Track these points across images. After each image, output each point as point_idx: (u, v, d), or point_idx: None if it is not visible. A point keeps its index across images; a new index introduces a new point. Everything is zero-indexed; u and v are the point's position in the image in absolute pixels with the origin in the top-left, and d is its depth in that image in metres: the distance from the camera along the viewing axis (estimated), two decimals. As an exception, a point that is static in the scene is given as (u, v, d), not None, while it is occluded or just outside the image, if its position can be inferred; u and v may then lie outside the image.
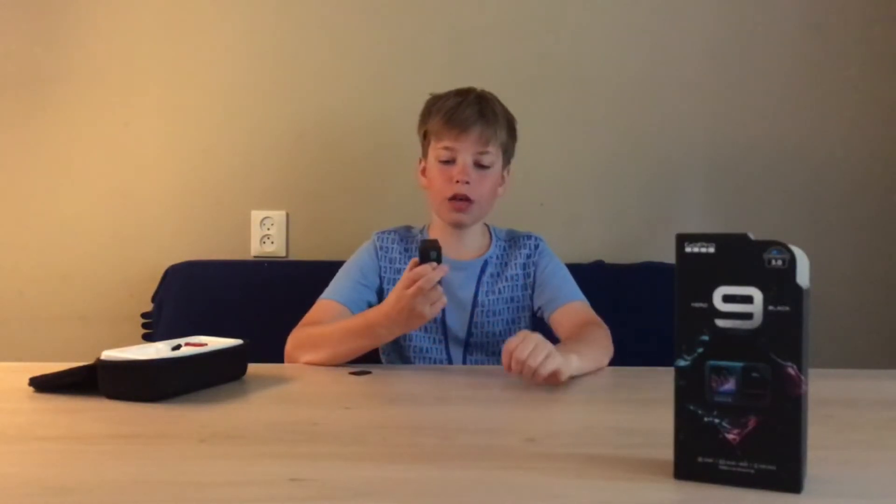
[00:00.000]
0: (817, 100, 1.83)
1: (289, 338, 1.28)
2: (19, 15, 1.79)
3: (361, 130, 1.83)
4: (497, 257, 1.44)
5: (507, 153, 1.42)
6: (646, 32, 1.84)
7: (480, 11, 1.83)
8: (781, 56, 1.83)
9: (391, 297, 1.18)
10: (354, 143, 1.83)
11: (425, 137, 1.42)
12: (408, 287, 1.13)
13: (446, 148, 1.35)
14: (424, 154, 1.43)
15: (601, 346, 1.25)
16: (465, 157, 1.34)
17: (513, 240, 1.46)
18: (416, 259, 1.17)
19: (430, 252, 1.14)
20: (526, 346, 1.04)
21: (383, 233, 1.46)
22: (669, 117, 1.84)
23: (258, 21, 1.82)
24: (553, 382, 1.06)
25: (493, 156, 1.36)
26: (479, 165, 1.35)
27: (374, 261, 1.42)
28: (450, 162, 1.35)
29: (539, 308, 1.40)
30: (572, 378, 1.11)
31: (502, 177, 1.41)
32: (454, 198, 1.34)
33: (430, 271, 1.12)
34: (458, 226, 1.39)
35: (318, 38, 1.82)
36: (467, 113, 1.34)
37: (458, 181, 1.33)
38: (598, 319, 1.33)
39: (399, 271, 1.40)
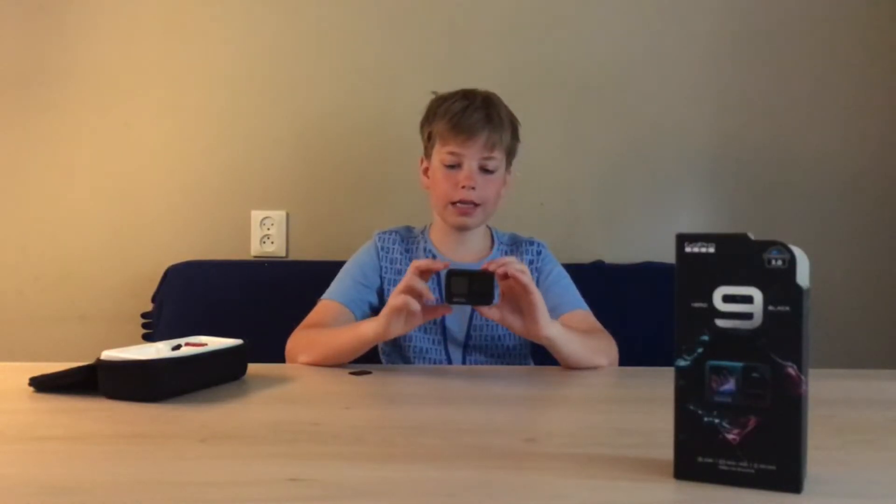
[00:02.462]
0: (817, 100, 1.84)
1: (289, 339, 1.29)
2: (20, 15, 1.79)
3: (361, 130, 1.83)
4: None
5: (511, 155, 1.41)
6: (646, 33, 1.84)
7: (481, 11, 1.83)
8: (781, 56, 1.83)
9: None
10: (354, 143, 1.83)
11: (429, 139, 1.40)
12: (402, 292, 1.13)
13: (452, 153, 1.34)
14: (427, 155, 1.42)
15: (600, 346, 1.26)
16: (471, 163, 1.34)
17: (515, 244, 1.45)
18: (421, 262, 1.15)
19: (462, 289, 1.09)
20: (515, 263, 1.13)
21: (384, 233, 1.45)
22: (669, 117, 1.84)
23: (258, 21, 1.82)
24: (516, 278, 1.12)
25: (497, 160, 1.36)
26: (485, 170, 1.35)
27: (375, 261, 1.41)
28: (455, 167, 1.34)
29: None
30: (570, 370, 1.14)
31: (505, 179, 1.41)
32: (460, 202, 1.34)
33: (423, 287, 1.12)
34: (463, 229, 1.39)
35: (319, 38, 1.82)
36: (474, 118, 1.32)
37: (463, 186, 1.33)
38: (602, 328, 1.33)
39: (400, 272, 1.39)
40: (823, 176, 1.83)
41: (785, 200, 1.84)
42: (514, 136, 1.41)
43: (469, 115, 1.32)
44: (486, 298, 1.09)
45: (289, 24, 1.82)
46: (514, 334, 1.36)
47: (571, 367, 1.21)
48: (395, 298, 1.13)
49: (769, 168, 1.84)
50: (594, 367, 1.22)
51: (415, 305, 1.12)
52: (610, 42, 1.84)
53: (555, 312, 1.34)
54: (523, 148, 1.46)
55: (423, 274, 1.14)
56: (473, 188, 1.33)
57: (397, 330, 1.16)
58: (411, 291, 1.12)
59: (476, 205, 1.34)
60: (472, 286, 1.08)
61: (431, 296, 1.14)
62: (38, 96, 1.80)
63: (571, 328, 1.24)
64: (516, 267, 1.12)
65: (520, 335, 1.20)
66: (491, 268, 1.11)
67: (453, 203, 1.34)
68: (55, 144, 1.81)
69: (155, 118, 1.82)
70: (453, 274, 1.09)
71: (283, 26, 1.82)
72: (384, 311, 1.15)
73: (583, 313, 1.36)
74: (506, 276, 1.12)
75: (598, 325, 1.35)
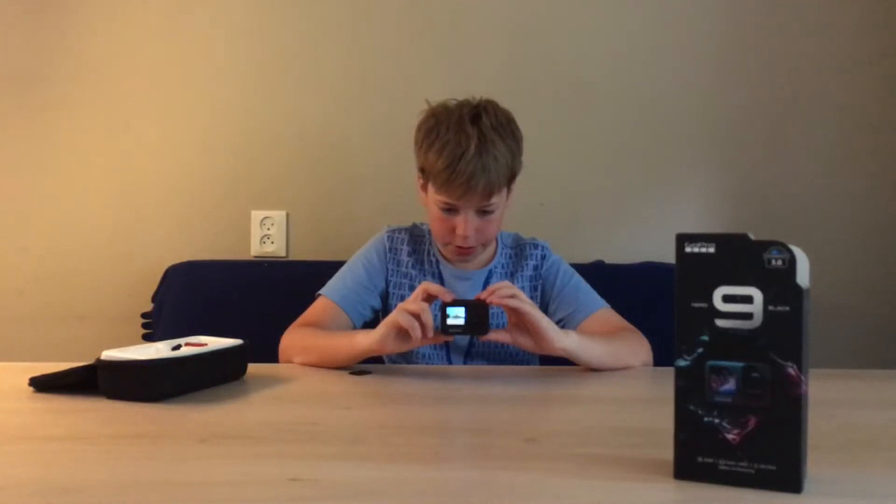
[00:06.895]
0: (818, 99, 1.83)
1: (284, 335, 1.28)
2: (20, 15, 1.79)
3: (361, 130, 1.83)
4: (503, 266, 1.41)
5: (513, 177, 1.32)
6: (646, 33, 1.84)
7: (481, 12, 1.83)
8: (781, 57, 1.83)
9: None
10: (354, 143, 1.83)
11: (422, 171, 1.32)
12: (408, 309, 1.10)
13: (446, 202, 1.28)
14: (423, 181, 1.34)
15: (626, 348, 1.24)
16: (468, 213, 1.28)
17: (519, 247, 1.43)
18: (431, 286, 1.12)
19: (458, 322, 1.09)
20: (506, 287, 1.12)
21: (395, 231, 1.42)
22: (669, 117, 1.84)
23: (259, 21, 1.82)
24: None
25: (496, 202, 1.29)
26: (483, 212, 1.29)
27: (383, 262, 1.39)
28: (451, 210, 1.29)
29: (560, 322, 1.34)
30: (587, 370, 1.16)
31: (506, 202, 1.35)
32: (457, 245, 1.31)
33: (428, 314, 1.09)
34: (462, 263, 1.37)
35: (319, 38, 1.82)
36: (469, 170, 1.21)
37: (460, 234, 1.28)
38: (629, 325, 1.31)
39: (406, 275, 1.38)
40: (824, 176, 1.83)
41: (785, 200, 1.84)
42: (517, 158, 1.31)
43: (464, 167, 1.22)
44: (482, 328, 1.10)
45: (289, 24, 1.82)
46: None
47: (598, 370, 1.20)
48: (400, 315, 1.10)
49: (769, 168, 1.84)
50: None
51: (417, 333, 1.09)
52: (610, 42, 1.84)
53: (573, 321, 1.32)
54: (524, 147, 1.44)
55: (430, 297, 1.12)
56: (471, 236, 1.29)
57: (392, 347, 1.14)
58: (417, 316, 1.09)
59: (475, 246, 1.32)
60: (468, 316, 1.09)
61: (431, 329, 1.10)
62: (39, 96, 1.80)
63: (591, 334, 1.22)
64: (504, 293, 1.11)
65: (535, 353, 1.17)
66: (483, 297, 1.11)
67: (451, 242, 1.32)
68: (55, 144, 1.81)
69: (155, 118, 1.82)
70: (448, 304, 1.09)
71: (284, 26, 1.82)
72: (385, 323, 1.13)
73: (603, 313, 1.34)
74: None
75: (621, 322, 1.32)
